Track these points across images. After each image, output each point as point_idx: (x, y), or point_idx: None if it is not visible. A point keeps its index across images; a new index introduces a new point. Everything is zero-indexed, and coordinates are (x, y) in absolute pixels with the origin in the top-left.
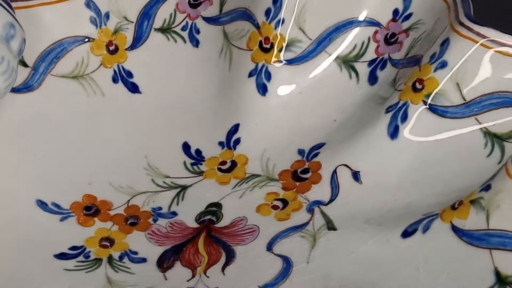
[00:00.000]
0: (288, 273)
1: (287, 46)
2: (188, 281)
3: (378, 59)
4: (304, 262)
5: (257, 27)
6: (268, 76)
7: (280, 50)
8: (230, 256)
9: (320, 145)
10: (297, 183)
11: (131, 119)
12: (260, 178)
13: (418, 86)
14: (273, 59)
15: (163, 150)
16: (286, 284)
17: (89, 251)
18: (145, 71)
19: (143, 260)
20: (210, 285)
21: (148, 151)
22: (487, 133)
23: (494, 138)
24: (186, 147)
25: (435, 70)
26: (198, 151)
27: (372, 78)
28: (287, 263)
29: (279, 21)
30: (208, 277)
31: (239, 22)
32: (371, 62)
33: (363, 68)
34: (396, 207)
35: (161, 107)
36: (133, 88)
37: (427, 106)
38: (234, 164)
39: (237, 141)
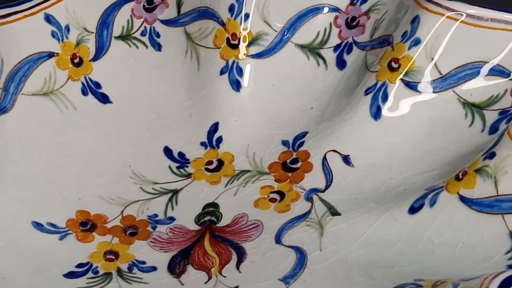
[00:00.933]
0: (304, 263)
1: (254, 40)
2: (206, 283)
3: (343, 44)
4: (317, 250)
5: (222, 24)
6: (240, 71)
7: (248, 45)
8: (241, 253)
9: (303, 134)
10: (289, 174)
11: (108, 129)
12: (250, 173)
13: (394, 65)
14: (242, 54)
15: (145, 157)
16: (305, 273)
17: (97, 266)
18: (112, 81)
19: (153, 268)
20: (230, 284)
21: (131, 160)
22: (465, 103)
23: (473, 108)
24: (167, 151)
25: (409, 48)
26: (181, 154)
27: (340, 63)
28: (301, 253)
29: (244, 16)
30: (225, 276)
31: (202, 21)
32: (336, 47)
33: (329, 54)
34: (392, 186)
35: (135, 114)
36: (104, 99)
37: (405, 84)
38: (221, 162)
39: (219, 140)
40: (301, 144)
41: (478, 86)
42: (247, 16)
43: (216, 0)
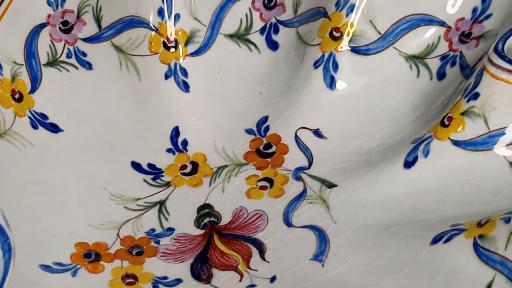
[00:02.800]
0: (326, 238)
1: (189, 38)
2: (240, 281)
3: (268, 26)
4: (332, 223)
5: (154, 29)
6: (184, 72)
7: (185, 45)
8: (259, 244)
9: (264, 119)
10: (268, 159)
11: (69, 158)
12: (229, 168)
13: (336, 34)
14: (182, 55)
15: (117, 176)
16: (332, 248)
17: None
18: (56, 109)
19: (179, 280)
20: (265, 276)
21: (103, 182)
22: (407, 57)
23: (415, 59)
24: (136, 165)
25: (347, 15)
26: (151, 165)
27: (271, 44)
28: (318, 230)
29: (175, 17)
30: (256, 270)
31: (129, 31)
32: (262, 31)
33: (257, 38)
34: (372, 147)
35: (90, 137)
36: (54, 129)
37: (352, 50)
38: (194, 164)
39: (185, 143)
40: (267, 128)
41: (415, 38)
42: (177, 16)
43: (142, 7)
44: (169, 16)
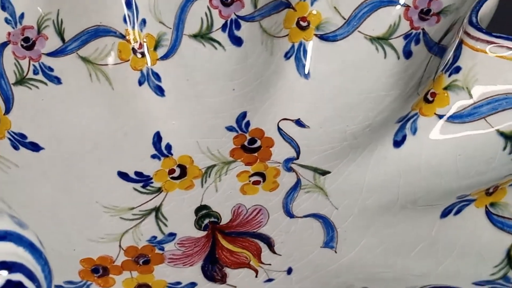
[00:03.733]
0: (332, 225)
1: (158, 42)
2: (257, 277)
3: (228, 22)
4: (334, 209)
5: (122, 36)
6: (157, 76)
7: (154, 49)
8: (266, 239)
9: (243, 115)
10: (255, 154)
11: (55, 175)
12: (218, 167)
13: (303, 23)
14: (152, 60)
15: (106, 188)
16: (340, 233)
17: None
18: (33, 127)
19: (193, 284)
20: (281, 269)
21: (94, 196)
22: (372, 39)
23: (380, 40)
24: (123, 175)
25: (312, 4)
26: (138, 173)
27: (235, 41)
28: (321, 218)
29: (141, 22)
30: (269, 264)
31: (96, 41)
32: (223, 28)
33: (220, 36)
34: (355, 131)
35: (71, 151)
36: (35, 147)
37: (320, 37)
38: (182, 167)
39: (169, 147)
40: (248, 124)
41: (376, 20)
42: (143, 21)
43: (107, 15)
44: (136, 22)
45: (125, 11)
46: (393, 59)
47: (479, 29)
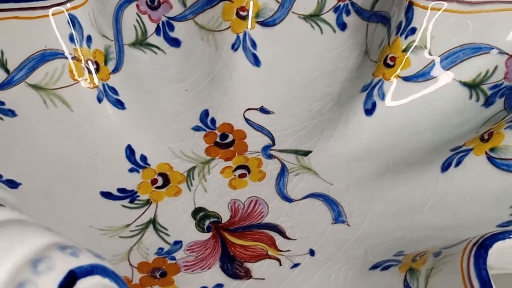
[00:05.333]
0: (333, 200)
1: (106, 56)
2: (281, 265)
3: (161, 25)
4: (329, 185)
5: (71, 57)
6: (113, 90)
7: (105, 64)
8: (274, 227)
9: (205, 113)
10: (231, 148)
11: (40, 209)
12: (198, 168)
13: (243, 13)
14: (105, 75)
15: (94, 211)
16: (346, 206)
17: None
18: (3, 165)
19: (220, 285)
20: (302, 252)
21: (86, 221)
22: (305, 17)
23: (313, 17)
24: (106, 194)
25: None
26: (121, 189)
27: (173, 42)
28: (320, 196)
29: (87, 39)
30: (289, 250)
31: (45, 66)
32: (157, 31)
33: (156, 40)
34: (320, 105)
35: (49, 182)
36: (12, 184)
37: (261, 24)
38: (164, 175)
39: (143, 158)
40: (213, 120)
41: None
42: (89, 37)
43: (51, 38)
44: (82, 40)
45: (71, 29)
46: (330, 34)
47: None
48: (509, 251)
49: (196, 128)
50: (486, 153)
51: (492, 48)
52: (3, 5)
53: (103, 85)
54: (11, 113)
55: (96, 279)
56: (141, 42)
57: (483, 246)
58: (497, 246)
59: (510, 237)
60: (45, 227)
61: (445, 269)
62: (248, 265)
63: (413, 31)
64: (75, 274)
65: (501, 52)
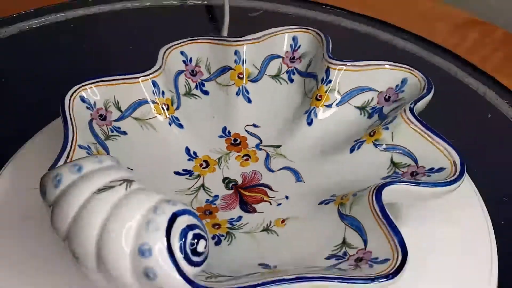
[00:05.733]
0: (295, 170)
1: (172, 101)
2: (271, 205)
3: (198, 84)
4: (293, 162)
5: (154, 102)
6: (177, 119)
7: (172, 105)
8: (266, 185)
9: (224, 128)
10: (240, 146)
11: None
12: (223, 157)
13: (240, 75)
14: (172, 111)
15: (174, 182)
16: (302, 172)
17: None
18: (127, 162)
19: (240, 217)
20: (282, 197)
21: (169, 188)
22: (272, 77)
23: (276, 77)
24: (177, 173)
25: (243, 65)
26: (185, 170)
27: (204, 92)
28: (289, 168)
29: (162, 92)
30: (274, 196)
31: (141, 108)
32: (196, 87)
33: (196, 91)
34: (284, 121)
35: (145, 171)
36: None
37: (250, 81)
38: (206, 161)
39: (195, 153)
40: (229, 132)
41: (272, 67)
42: (163, 92)
43: (142, 93)
44: (159, 93)
45: (152, 88)
46: (285, 85)
47: (334, 58)
48: (390, 191)
49: (220, 136)
50: (373, 142)
51: (371, 89)
52: (120, 76)
53: (171, 117)
54: (124, 133)
55: (186, 217)
56: (188, 93)
57: (378, 189)
58: (386, 189)
59: (389, 185)
60: (155, 191)
61: (360, 202)
62: (254, 205)
63: (330, 81)
64: (175, 214)
65: (375, 90)
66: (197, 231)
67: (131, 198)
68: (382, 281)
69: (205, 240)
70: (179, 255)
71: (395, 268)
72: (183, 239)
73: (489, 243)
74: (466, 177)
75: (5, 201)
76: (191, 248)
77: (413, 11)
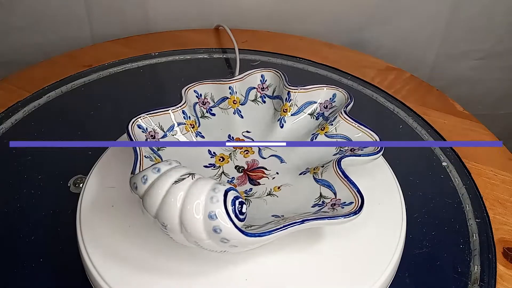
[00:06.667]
0: (279, 156)
1: (194, 122)
2: (268, 179)
3: (208, 109)
4: (276, 151)
5: (184, 124)
6: (200, 132)
7: (195, 123)
8: (262, 167)
9: (230, 135)
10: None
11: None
12: (233, 153)
13: (234, 102)
14: (193, 130)
15: (202, 172)
16: (283, 156)
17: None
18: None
19: (251, 189)
20: (274, 173)
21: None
22: (252, 100)
23: (254, 100)
24: (204, 166)
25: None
26: (210, 163)
27: (212, 114)
28: (275, 155)
29: (186, 115)
30: (269, 173)
31: (176, 128)
32: (206, 111)
33: (207, 114)
34: (265, 128)
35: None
36: None
37: (240, 104)
38: (222, 157)
39: (214, 152)
40: (233, 138)
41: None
42: (189, 116)
43: (175, 119)
44: (187, 117)
45: (183, 114)
46: (261, 104)
47: (292, 85)
48: (344, 161)
49: (228, 140)
50: (324, 134)
51: (315, 102)
52: (161, 111)
53: (196, 132)
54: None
55: (232, 192)
56: (203, 116)
57: (338, 161)
58: (342, 160)
59: (343, 158)
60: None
61: (328, 170)
62: (258, 180)
63: (291, 100)
64: (226, 191)
65: (317, 102)
66: (240, 199)
67: (197, 184)
68: (352, 216)
69: (245, 204)
70: (232, 215)
71: (358, 207)
72: (233, 206)
73: (397, 191)
74: (381, 157)
75: (97, 194)
76: (238, 210)
77: (352, 61)
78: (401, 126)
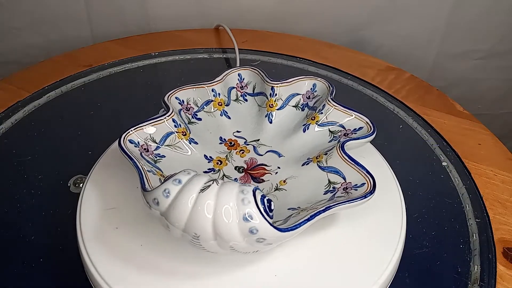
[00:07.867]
0: (276, 151)
1: (186, 130)
2: (271, 174)
3: (192, 114)
4: (270, 147)
5: (176, 132)
6: (193, 139)
7: (186, 132)
8: (262, 164)
9: (222, 137)
10: (234, 146)
11: None
12: (228, 154)
13: (220, 104)
14: (185, 138)
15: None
16: (280, 150)
17: None
18: None
19: (257, 187)
20: (274, 168)
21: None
22: (235, 100)
23: (237, 100)
24: (205, 171)
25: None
26: (209, 168)
27: (198, 119)
28: (272, 150)
29: (178, 123)
30: (271, 168)
31: (169, 137)
32: (192, 117)
33: (193, 120)
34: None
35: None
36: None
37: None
38: (220, 160)
39: (210, 157)
40: (225, 139)
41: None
42: (180, 125)
43: (167, 128)
44: (178, 125)
45: (173, 123)
46: (244, 104)
47: (274, 80)
48: (346, 145)
49: (220, 143)
50: (316, 123)
51: (299, 94)
52: (158, 120)
53: (189, 139)
54: (164, 157)
55: (258, 191)
56: (190, 122)
57: (341, 145)
58: (345, 144)
59: (346, 142)
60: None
61: (332, 156)
62: (261, 178)
63: (276, 94)
64: (255, 190)
65: (300, 94)
66: (267, 197)
67: (224, 189)
68: (369, 196)
69: (272, 201)
70: (265, 214)
71: (372, 187)
72: (263, 204)
73: (397, 191)
74: (378, 153)
75: (96, 198)
76: (268, 207)
77: (352, 61)
78: (401, 126)
